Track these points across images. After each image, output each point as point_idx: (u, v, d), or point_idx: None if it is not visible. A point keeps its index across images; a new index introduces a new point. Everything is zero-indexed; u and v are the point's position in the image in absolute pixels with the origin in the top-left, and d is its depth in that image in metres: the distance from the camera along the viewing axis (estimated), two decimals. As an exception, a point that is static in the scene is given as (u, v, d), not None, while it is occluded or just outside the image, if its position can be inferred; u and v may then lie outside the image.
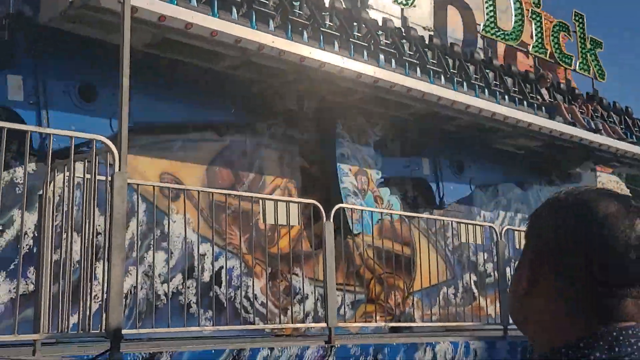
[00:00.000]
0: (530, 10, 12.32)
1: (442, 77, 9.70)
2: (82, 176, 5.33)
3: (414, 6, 10.63)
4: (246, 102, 8.63)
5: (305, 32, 8.14)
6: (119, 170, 5.19)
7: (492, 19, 11.42)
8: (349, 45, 8.51)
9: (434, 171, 10.63)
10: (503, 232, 8.01)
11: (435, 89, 9.44)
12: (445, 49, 10.43)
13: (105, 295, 4.91)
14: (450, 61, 10.08)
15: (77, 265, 5.28)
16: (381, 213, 8.69)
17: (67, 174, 5.36)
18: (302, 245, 7.76)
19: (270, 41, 7.56)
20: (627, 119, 13.58)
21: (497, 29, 11.49)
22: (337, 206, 6.81)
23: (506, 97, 10.66)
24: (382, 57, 8.94)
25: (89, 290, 5.01)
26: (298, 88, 8.76)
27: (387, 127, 10.26)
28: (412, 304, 8.98)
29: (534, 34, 12.43)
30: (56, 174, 5.54)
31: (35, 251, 5.97)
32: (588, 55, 13.34)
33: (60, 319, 4.93)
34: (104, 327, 4.77)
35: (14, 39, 6.62)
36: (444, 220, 8.30)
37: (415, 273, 8.89)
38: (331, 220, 6.48)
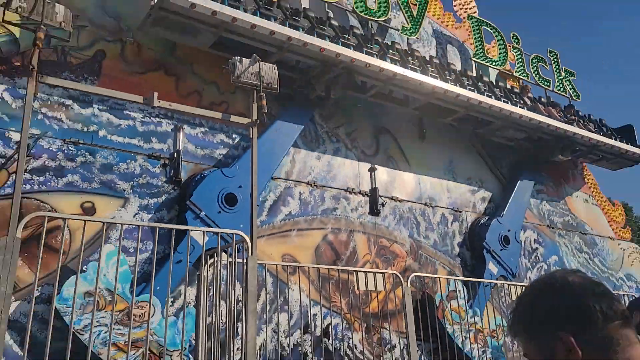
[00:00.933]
0: (511, 46, 13.52)
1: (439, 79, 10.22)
2: (226, 260, 6.16)
3: (417, 39, 11.68)
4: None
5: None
6: (251, 255, 5.85)
7: (480, 49, 12.59)
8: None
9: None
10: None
11: (430, 80, 9.97)
12: (444, 66, 11.01)
13: (243, 349, 5.44)
14: (446, 73, 10.65)
15: (224, 326, 5.99)
16: (448, 279, 9.28)
17: (216, 259, 6.16)
18: (388, 305, 8.54)
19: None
20: (602, 127, 13.88)
21: (485, 57, 12.63)
22: (412, 275, 7.92)
23: (493, 98, 11.21)
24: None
25: (232, 345, 5.64)
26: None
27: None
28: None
29: (516, 63, 13.56)
30: (209, 259, 6.32)
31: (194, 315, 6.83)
32: (564, 81, 14.29)
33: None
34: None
35: (179, 166, 7.83)
36: (502, 284, 9.21)
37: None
38: (408, 285, 7.55)
